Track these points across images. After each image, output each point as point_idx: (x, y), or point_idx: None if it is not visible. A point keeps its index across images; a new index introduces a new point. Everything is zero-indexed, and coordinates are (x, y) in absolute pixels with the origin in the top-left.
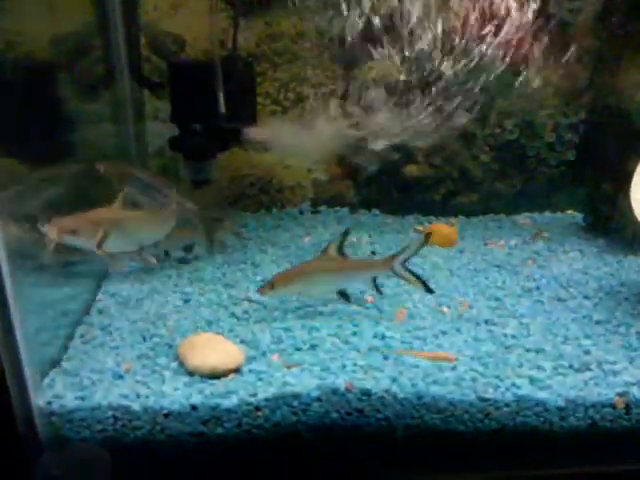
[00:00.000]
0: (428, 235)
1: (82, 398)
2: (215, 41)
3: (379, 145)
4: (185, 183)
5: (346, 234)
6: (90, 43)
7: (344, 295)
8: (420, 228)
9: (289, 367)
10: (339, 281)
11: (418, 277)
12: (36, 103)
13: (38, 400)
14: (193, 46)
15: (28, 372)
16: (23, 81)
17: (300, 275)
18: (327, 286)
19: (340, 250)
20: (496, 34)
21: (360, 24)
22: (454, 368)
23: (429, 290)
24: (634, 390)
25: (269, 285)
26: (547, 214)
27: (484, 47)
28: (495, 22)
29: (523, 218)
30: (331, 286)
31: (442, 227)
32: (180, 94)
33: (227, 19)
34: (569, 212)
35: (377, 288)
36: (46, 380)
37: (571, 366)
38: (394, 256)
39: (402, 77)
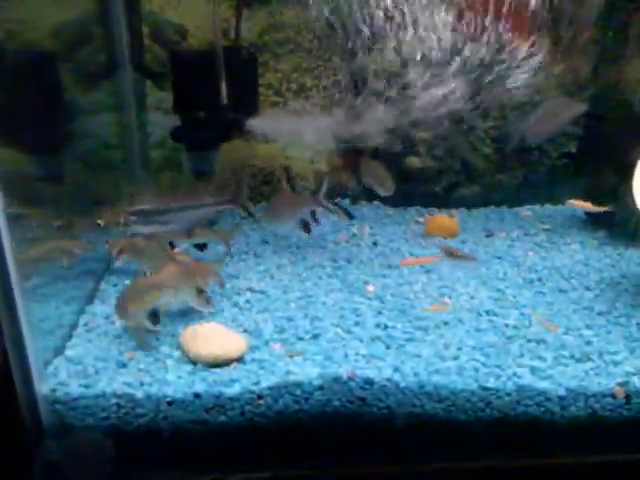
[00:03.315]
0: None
1: (86, 386)
2: (217, 31)
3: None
4: (187, 174)
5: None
6: (92, 32)
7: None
8: (421, 220)
9: (291, 356)
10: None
11: (340, 207)
12: (36, 93)
13: (42, 388)
14: (195, 36)
15: (32, 360)
16: (24, 70)
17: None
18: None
19: (292, 186)
20: (498, 26)
21: (364, 14)
22: (456, 358)
23: (349, 215)
24: (634, 380)
25: None
26: (549, 206)
27: (486, 38)
28: (498, 14)
29: (525, 210)
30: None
31: (443, 219)
32: (182, 84)
33: (230, 9)
34: None
35: (315, 219)
36: (50, 368)
37: (572, 356)
38: (314, 194)
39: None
